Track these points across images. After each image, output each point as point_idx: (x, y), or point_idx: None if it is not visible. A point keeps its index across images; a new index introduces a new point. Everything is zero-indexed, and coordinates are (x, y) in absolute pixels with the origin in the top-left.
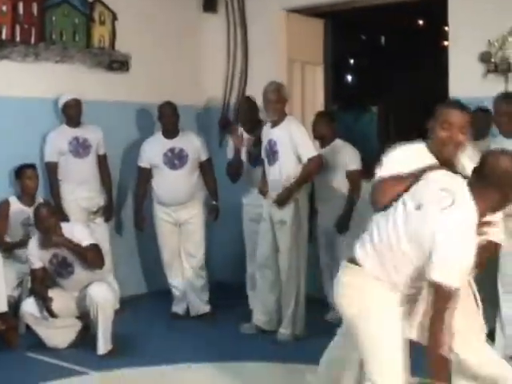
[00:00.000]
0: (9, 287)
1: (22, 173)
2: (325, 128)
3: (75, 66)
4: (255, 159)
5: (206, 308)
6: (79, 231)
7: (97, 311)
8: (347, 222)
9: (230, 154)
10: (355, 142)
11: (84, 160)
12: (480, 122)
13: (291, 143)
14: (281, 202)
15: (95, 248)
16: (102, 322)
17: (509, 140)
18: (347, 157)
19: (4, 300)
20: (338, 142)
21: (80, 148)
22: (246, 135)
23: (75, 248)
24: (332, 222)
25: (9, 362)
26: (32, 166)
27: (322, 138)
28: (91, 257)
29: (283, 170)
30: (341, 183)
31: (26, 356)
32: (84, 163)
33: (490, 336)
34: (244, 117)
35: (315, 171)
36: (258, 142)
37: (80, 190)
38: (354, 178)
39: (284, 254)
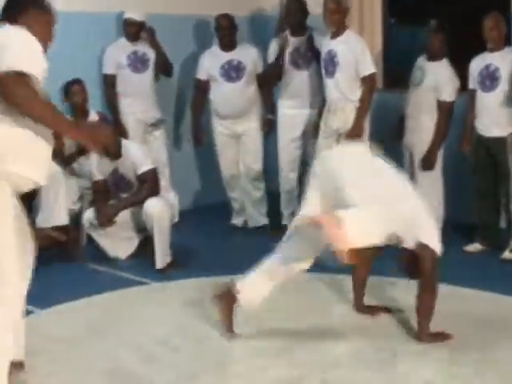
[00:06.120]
0: (69, 201)
1: (68, 90)
2: None
3: None
4: (300, 62)
5: (264, 220)
6: (136, 154)
7: (152, 225)
8: None
9: (271, 57)
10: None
11: (142, 75)
12: None
13: (352, 56)
14: (358, 130)
15: (152, 174)
16: (158, 236)
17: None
18: None
19: (65, 213)
20: None
21: (138, 63)
22: (290, 37)
23: (131, 203)
24: None
25: (72, 273)
26: (76, 81)
27: None
28: (147, 195)
29: (341, 84)
30: None
31: (89, 267)
32: (142, 78)
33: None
34: (290, 18)
35: (373, 91)
36: (309, 44)
37: (137, 104)
38: None
39: None
